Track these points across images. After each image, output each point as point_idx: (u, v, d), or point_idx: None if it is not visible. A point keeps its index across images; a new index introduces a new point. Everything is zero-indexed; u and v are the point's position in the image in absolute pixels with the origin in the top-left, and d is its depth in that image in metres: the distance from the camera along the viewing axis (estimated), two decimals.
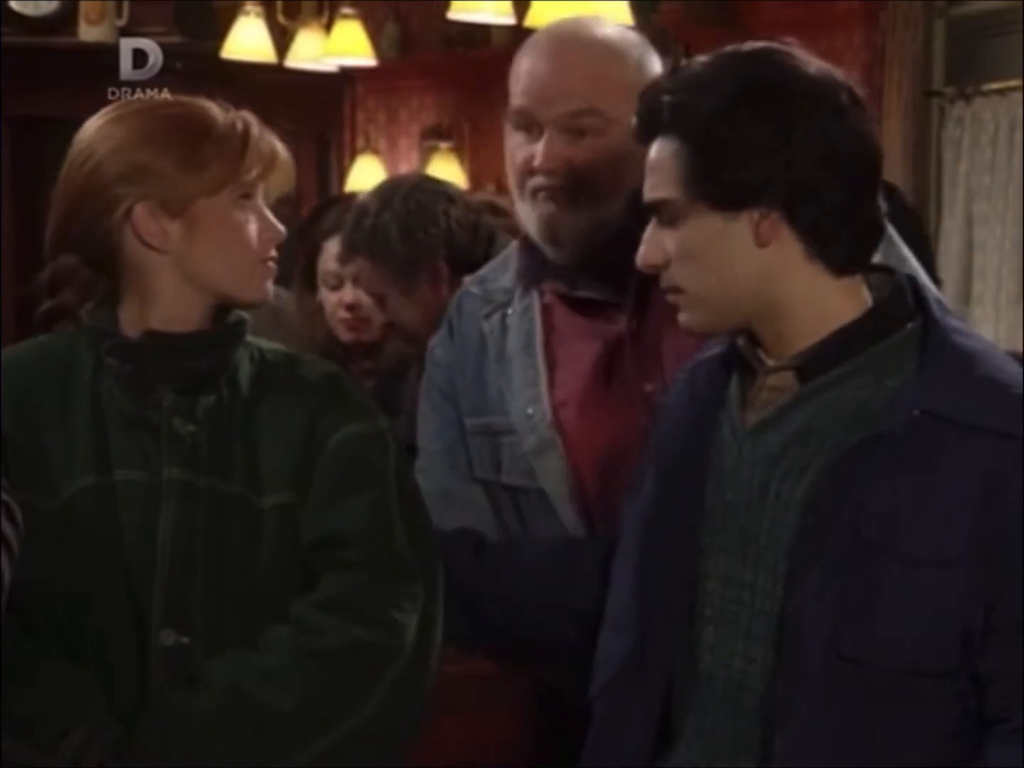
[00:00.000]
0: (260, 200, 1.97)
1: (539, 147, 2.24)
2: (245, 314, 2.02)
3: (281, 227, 1.99)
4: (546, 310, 2.34)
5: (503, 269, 2.42)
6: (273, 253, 1.99)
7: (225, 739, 1.87)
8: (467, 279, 2.46)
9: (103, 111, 2.00)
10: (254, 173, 1.95)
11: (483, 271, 2.47)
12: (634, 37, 2.33)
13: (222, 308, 1.99)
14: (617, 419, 2.27)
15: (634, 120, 1.89)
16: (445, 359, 2.39)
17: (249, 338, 2.02)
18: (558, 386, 2.30)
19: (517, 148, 2.29)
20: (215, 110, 1.97)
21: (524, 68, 2.29)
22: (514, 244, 2.44)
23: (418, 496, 2.02)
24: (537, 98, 2.26)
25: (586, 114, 2.24)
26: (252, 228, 1.96)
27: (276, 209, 2.02)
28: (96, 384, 1.97)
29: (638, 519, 1.95)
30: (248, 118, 1.97)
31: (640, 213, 2.20)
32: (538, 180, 2.26)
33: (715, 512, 1.85)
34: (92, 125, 1.98)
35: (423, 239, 2.52)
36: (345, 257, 3.21)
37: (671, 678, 1.86)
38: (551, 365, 2.31)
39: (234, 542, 1.93)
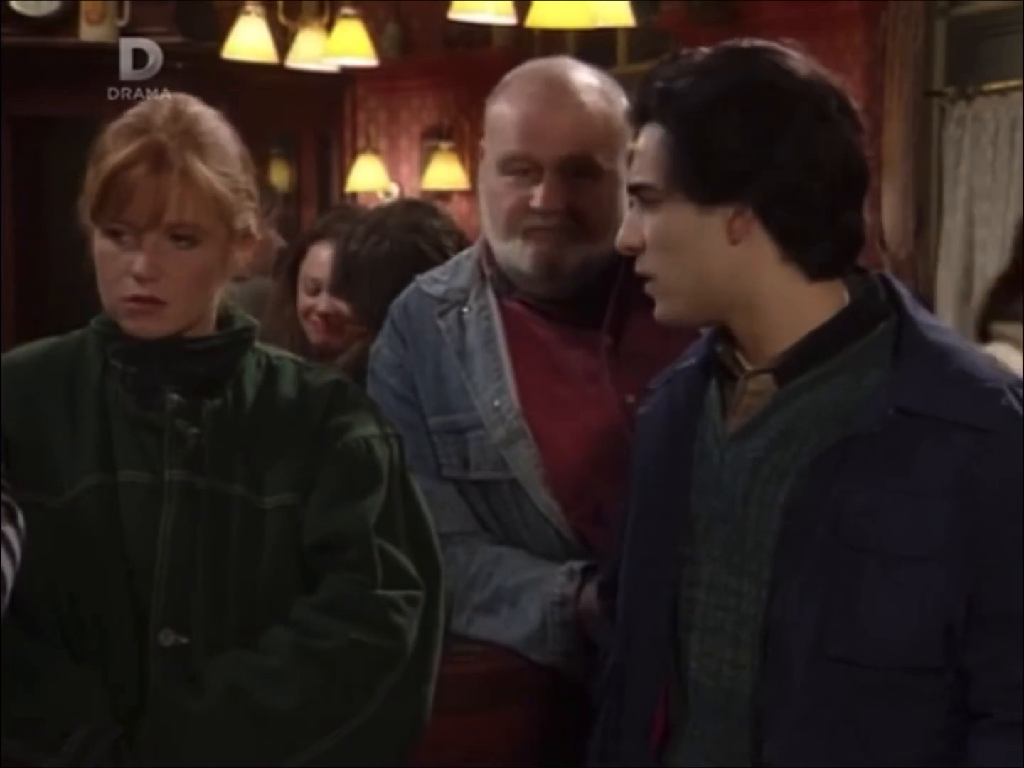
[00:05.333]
0: (140, 235, 1.90)
1: (538, 189, 2.27)
2: (253, 321, 2.03)
3: (141, 264, 1.89)
4: (507, 310, 2.36)
5: (455, 271, 2.44)
6: (134, 291, 1.90)
7: (225, 740, 1.87)
8: (418, 278, 2.47)
9: None
10: (110, 208, 1.90)
11: (433, 272, 2.48)
12: (612, 81, 2.36)
13: (225, 315, 2.00)
14: (591, 417, 2.30)
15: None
16: (397, 361, 2.40)
17: (257, 345, 2.03)
18: (524, 379, 2.33)
19: (507, 190, 2.30)
20: (132, 135, 1.91)
21: (516, 112, 2.30)
22: (466, 253, 2.47)
23: (421, 500, 2.03)
24: (536, 141, 2.27)
25: (584, 158, 2.28)
26: (116, 264, 1.91)
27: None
28: (103, 386, 1.97)
29: (626, 530, 1.95)
30: (136, 150, 1.89)
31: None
32: (535, 220, 2.28)
33: (700, 520, 1.84)
34: None
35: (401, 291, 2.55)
36: (331, 295, 3.29)
37: (665, 687, 1.85)
38: (515, 359, 2.33)
39: (235, 543, 1.94)
